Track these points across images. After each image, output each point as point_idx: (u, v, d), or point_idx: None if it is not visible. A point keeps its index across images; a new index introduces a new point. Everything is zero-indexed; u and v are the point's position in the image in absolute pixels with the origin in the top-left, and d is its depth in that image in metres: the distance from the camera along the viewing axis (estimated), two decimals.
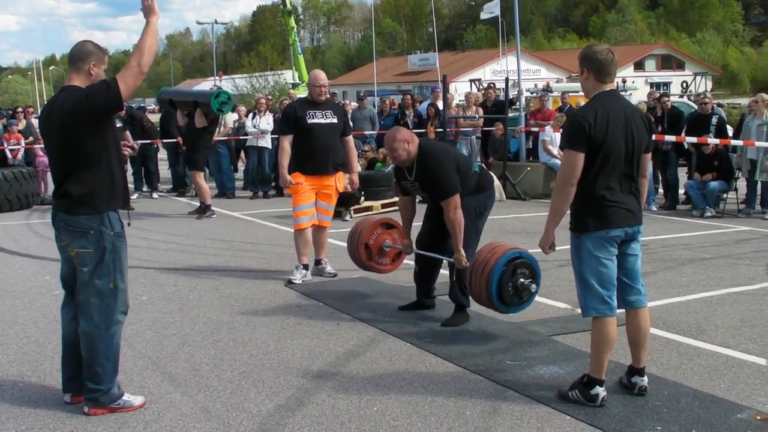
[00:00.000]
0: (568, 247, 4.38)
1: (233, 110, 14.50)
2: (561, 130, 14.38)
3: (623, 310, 4.42)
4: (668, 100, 13.37)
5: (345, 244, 6.83)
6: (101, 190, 4.14)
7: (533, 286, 5.24)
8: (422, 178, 5.77)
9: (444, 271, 6.31)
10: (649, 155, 4.42)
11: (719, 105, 18.26)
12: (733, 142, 11.80)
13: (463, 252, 5.64)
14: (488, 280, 5.15)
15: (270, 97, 16.10)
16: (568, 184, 4.16)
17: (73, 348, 4.32)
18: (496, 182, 13.08)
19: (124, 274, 4.30)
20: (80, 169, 4.12)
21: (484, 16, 19.93)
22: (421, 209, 6.16)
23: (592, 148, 4.11)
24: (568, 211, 4.29)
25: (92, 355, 4.20)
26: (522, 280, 5.20)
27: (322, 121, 7.28)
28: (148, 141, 14.54)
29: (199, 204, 12.17)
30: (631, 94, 19.48)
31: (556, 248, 4.39)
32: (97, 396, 4.22)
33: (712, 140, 11.61)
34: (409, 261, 6.71)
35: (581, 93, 4.82)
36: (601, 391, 4.27)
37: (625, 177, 4.22)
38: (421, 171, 5.75)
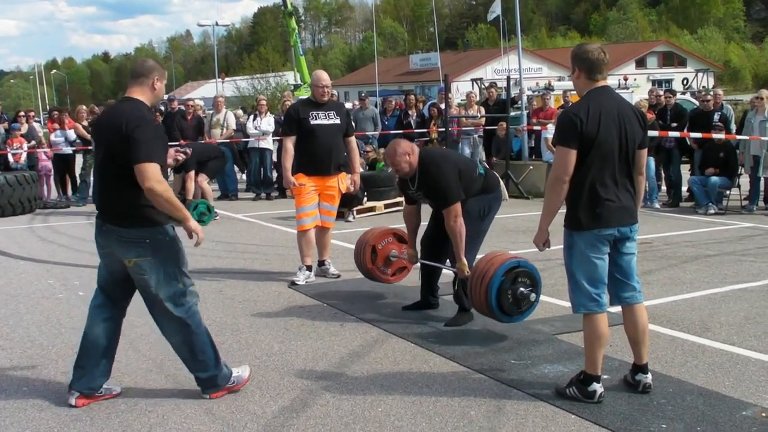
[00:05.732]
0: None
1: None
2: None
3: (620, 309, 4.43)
4: (672, 97, 13.31)
5: (348, 245, 6.82)
6: (147, 202, 4.12)
7: (532, 296, 5.22)
8: (424, 186, 5.77)
9: (448, 271, 6.31)
10: (645, 151, 4.39)
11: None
12: (737, 137, 11.78)
13: (465, 261, 5.64)
14: (488, 290, 5.14)
15: (263, 98, 15.98)
16: (561, 181, 4.17)
17: (93, 347, 4.36)
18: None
19: (186, 273, 4.37)
20: (125, 181, 4.11)
21: (490, 17, 19.92)
22: (427, 210, 6.16)
23: (584, 144, 4.11)
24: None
25: (192, 351, 4.39)
26: (522, 289, 5.18)
27: (325, 121, 7.27)
28: None
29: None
30: (633, 91, 19.42)
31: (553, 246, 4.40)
32: (215, 380, 4.44)
33: (717, 135, 11.59)
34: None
35: None
36: (598, 387, 4.27)
37: (620, 173, 4.22)
38: (423, 180, 5.76)
